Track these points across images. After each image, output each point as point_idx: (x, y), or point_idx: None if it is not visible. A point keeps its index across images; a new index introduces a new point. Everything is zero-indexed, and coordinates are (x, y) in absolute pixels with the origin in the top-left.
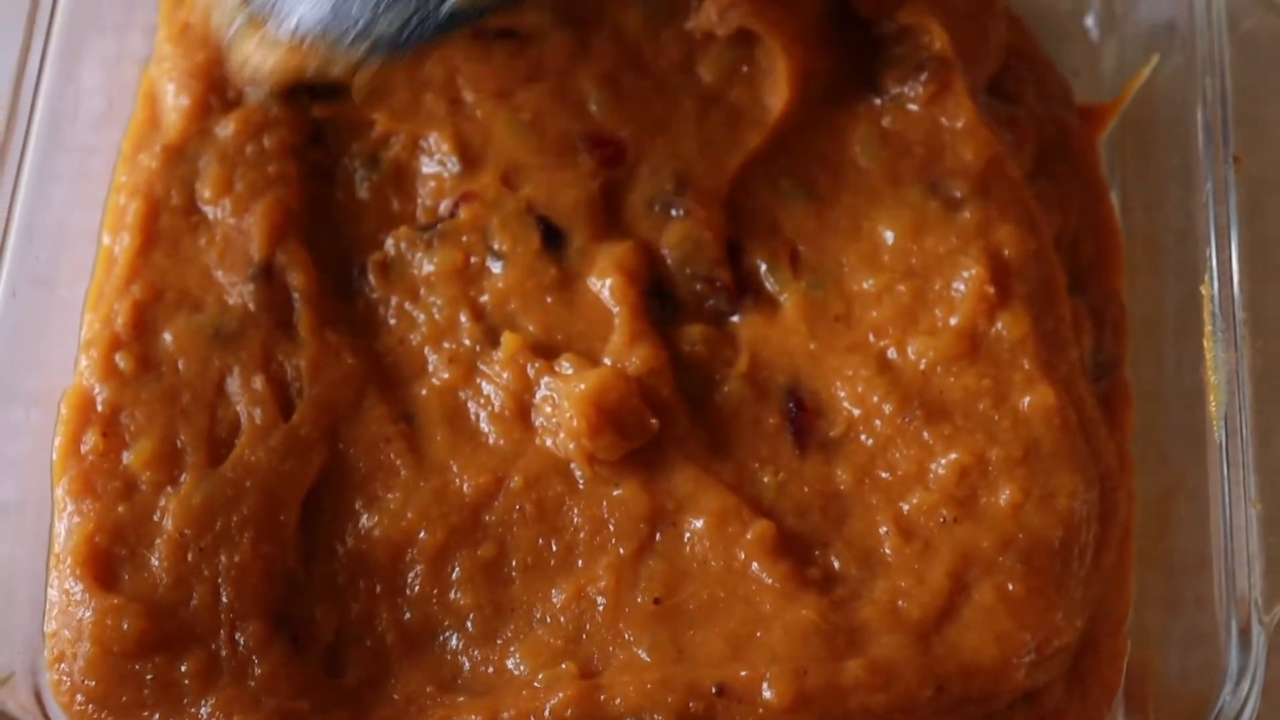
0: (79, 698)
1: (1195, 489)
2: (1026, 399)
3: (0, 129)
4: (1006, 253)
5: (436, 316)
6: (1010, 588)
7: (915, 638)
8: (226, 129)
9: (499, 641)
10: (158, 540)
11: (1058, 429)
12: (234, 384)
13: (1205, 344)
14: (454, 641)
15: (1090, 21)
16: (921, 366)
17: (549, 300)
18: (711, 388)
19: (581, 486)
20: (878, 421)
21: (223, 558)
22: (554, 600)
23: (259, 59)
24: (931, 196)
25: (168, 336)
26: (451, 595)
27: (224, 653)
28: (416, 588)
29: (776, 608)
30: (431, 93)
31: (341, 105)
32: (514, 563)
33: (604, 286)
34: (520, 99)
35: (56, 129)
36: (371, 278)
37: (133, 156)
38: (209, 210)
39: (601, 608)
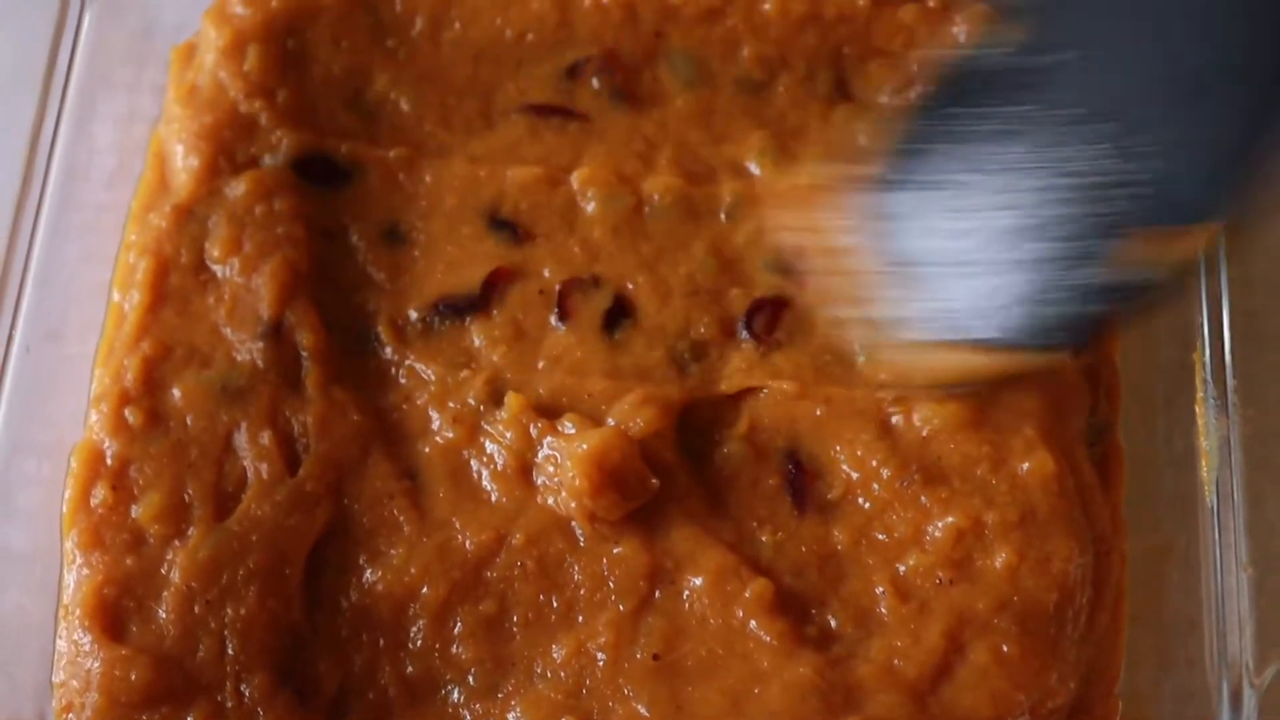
0: None
1: (1186, 552)
2: (1025, 464)
3: (17, 186)
4: None
5: (448, 379)
6: (1005, 649)
7: (911, 697)
8: (236, 190)
9: (500, 695)
10: (165, 593)
11: (1055, 494)
12: (241, 439)
13: (1197, 410)
14: (456, 695)
15: None
16: (924, 433)
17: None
18: (711, 448)
19: (582, 544)
20: (876, 485)
21: (229, 610)
22: (555, 655)
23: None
24: None
25: (176, 392)
26: (453, 649)
27: (230, 704)
28: (419, 642)
29: (774, 665)
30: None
31: (353, 190)
32: (515, 618)
33: None
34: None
35: (70, 186)
36: (384, 336)
37: (142, 215)
38: (218, 269)
39: (601, 663)
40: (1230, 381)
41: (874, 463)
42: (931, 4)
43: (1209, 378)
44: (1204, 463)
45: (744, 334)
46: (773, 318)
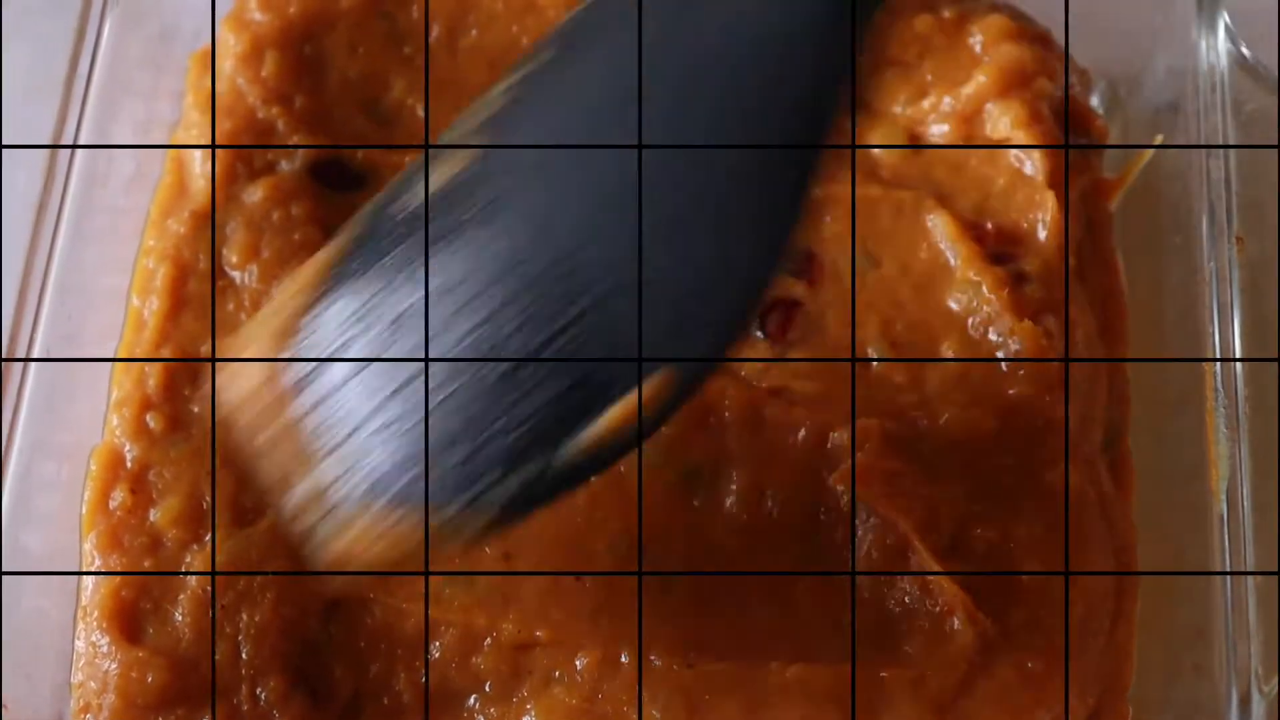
0: None
1: (1195, 560)
2: (1049, 476)
3: (37, 191)
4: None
5: None
6: (1030, 665)
7: (933, 709)
8: (254, 195)
9: (515, 700)
10: (181, 596)
11: (1078, 507)
12: None
13: (1208, 419)
14: (471, 700)
15: (1095, 101)
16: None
17: None
18: None
19: None
20: None
21: (244, 616)
22: (576, 663)
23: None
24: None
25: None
26: (473, 660)
27: (245, 706)
28: (437, 654)
29: (795, 673)
30: None
31: (368, 194)
32: (539, 634)
33: None
34: None
35: (89, 192)
36: None
37: (161, 221)
38: (236, 275)
39: (619, 669)
40: (1240, 390)
41: None
42: (946, 14)
43: (1219, 386)
44: (1214, 471)
45: (759, 334)
46: (786, 318)
